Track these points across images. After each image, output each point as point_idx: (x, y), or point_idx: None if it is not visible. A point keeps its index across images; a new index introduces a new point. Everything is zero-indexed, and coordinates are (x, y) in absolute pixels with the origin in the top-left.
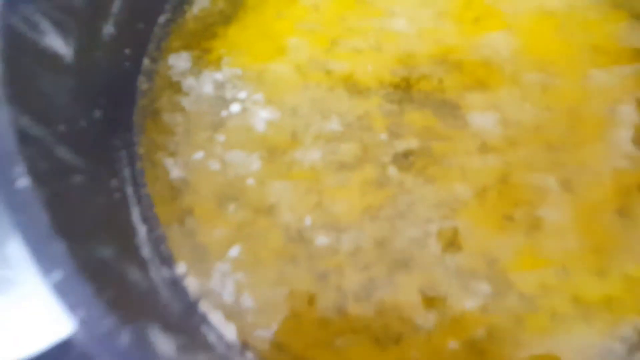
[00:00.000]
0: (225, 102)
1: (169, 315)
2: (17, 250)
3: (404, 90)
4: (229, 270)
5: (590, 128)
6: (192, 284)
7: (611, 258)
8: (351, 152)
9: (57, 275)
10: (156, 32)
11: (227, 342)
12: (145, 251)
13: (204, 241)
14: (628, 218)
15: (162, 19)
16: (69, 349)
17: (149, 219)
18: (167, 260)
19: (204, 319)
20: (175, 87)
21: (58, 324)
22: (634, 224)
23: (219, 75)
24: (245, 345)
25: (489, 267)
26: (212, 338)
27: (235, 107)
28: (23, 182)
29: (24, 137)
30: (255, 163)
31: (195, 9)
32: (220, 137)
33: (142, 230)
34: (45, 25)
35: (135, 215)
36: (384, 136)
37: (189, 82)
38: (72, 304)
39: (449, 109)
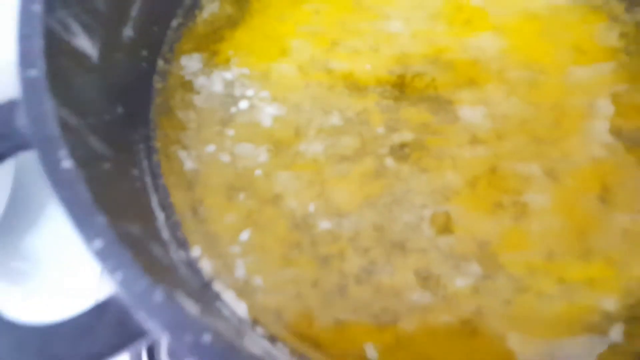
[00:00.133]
0: (234, 100)
1: (189, 288)
2: (32, 245)
3: (399, 87)
4: (240, 253)
5: (572, 120)
6: (206, 266)
7: (593, 241)
8: (351, 145)
9: (98, 243)
10: (169, 35)
11: (239, 318)
12: (165, 234)
13: (216, 227)
14: (608, 203)
15: (174, 23)
16: (111, 306)
17: (166, 207)
18: (183, 244)
19: (217, 297)
20: (188, 86)
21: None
22: (613, 209)
23: (228, 75)
24: (255, 321)
25: (480, 249)
26: (226, 313)
27: (243, 104)
28: (67, 163)
29: (64, 126)
30: (262, 155)
31: (205, 14)
32: (230, 132)
33: (160, 216)
34: (76, 27)
35: (154, 202)
36: (381, 130)
37: (200, 81)
38: (111, 268)
39: (442, 105)
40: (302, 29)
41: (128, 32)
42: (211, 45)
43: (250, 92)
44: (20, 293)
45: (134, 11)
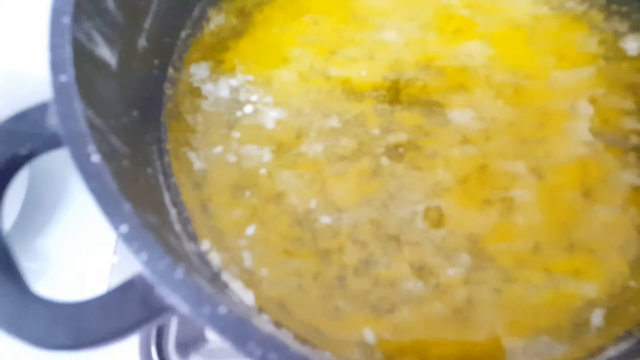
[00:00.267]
0: (240, 104)
1: (202, 275)
2: (44, 246)
3: (394, 92)
4: (246, 247)
5: (555, 121)
6: (214, 258)
7: (576, 234)
8: (349, 145)
9: (124, 228)
10: (179, 45)
11: (247, 305)
12: (177, 227)
13: (223, 223)
14: (589, 198)
15: (183, 34)
16: (134, 285)
17: (177, 204)
18: (194, 238)
19: (226, 286)
20: (196, 92)
21: None
22: (594, 203)
23: (233, 82)
24: (261, 309)
25: (470, 242)
26: (234, 300)
27: (248, 108)
28: (95, 158)
29: (91, 125)
30: (266, 156)
31: (211, 25)
32: (236, 134)
33: (172, 212)
34: (98, 38)
35: (167, 199)
36: (377, 132)
37: (207, 87)
38: (136, 249)
39: (434, 108)
40: (302, 38)
41: (142, 42)
42: (217, 54)
43: (254, 97)
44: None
45: (147, 23)
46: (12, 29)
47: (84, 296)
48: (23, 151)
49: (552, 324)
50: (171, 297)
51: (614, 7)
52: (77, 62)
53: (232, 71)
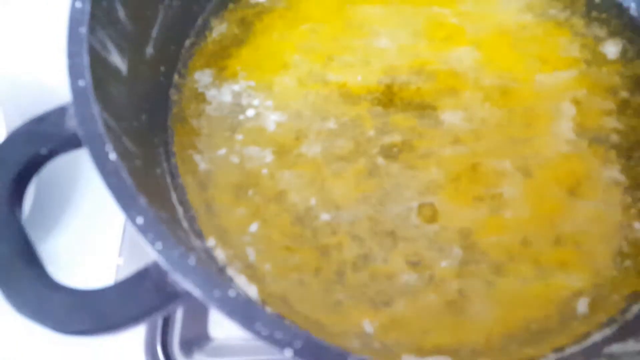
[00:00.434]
0: (242, 108)
1: (210, 267)
2: (52, 248)
3: (388, 95)
4: (250, 243)
5: (541, 122)
6: (220, 254)
7: (563, 228)
8: (346, 146)
9: (140, 220)
10: (183, 53)
11: (251, 299)
12: (185, 225)
13: (227, 221)
14: (574, 194)
15: (188, 42)
16: (149, 273)
17: (184, 203)
18: (200, 235)
19: (231, 280)
20: (200, 97)
21: None
22: (579, 198)
23: (236, 87)
24: (265, 303)
25: (462, 236)
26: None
27: (250, 112)
28: (112, 156)
29: (107, 126)
30: (268, 157)
31: (214, 34)
32: (239, 136)
33: (180, 210)
34: (110, 46)
35: (174, 198)
36: (372, 133)
37: (211, 93)
38: (151, 239)
39: (426, 110)
40: (300, 46)
41: (150, 50)
42: (220, 61)
43: (256, 102)
44: None
45: (154, 33)
46: (17, 39)
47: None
48: (44, 151)
49: (541, 313)
50: (184, 283)
51: (594, 14)
52: (93, 68)
53: (234, 77)
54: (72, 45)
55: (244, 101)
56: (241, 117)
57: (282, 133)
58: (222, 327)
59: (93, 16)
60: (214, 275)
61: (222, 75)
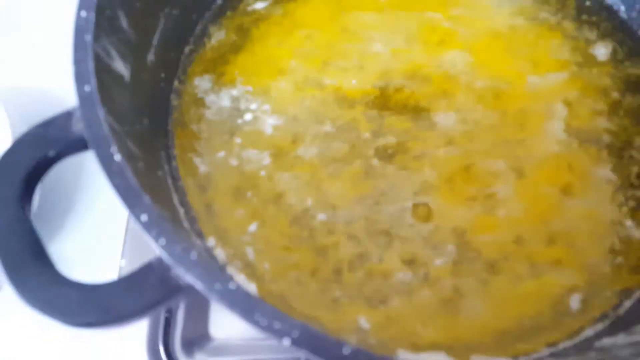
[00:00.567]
0: (240, 112)
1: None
2: (57, 250)
3: (383, 99)
4: (249, 243)
5: (533, 123)
6: (220, 254)
7: (555, 226)
8: (342, 149)
9: (144, 217)
10: (183, 59)
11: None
12: (186, 225)
13: (227, 222)
14: (566, 193)
15: (187, 49)
16: (153, 268)
17: (184, 204)
18: (200, 235)
19: (231, 278)
20: (200, 102)
21: None
22: (571, 197)
23: (234, 92)
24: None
25: (456, 235)
26: None
27: (248, 116)
28: (118, 157)
29: (111, 129)
30: (265, 159)
31: (213, 41)
32: (237, 140)
33: (181, 211)
34: (114, 53)
35: (175, 200)
36: (367, 135)
37: (210, 98)
38: (155, 235)
39: (420, 113)
40: (296, 51)
41: (151, 57)
42: (219, 67)
43: (253, 106)
44: None
45: (155, 40)
46: (22, 48)
47: None
48: (52, 153)
49: (535, 310)
50: (187, 276)
51: (585, 17)
52: (97, 74)
53: (232, 82)
54: (78, 52)
55: (242, 106)
56: (239, 121)
57: (279, 136)
58: (222, 327)
59: (97, 24)
60: (215, 269)
61: (220, 80)
